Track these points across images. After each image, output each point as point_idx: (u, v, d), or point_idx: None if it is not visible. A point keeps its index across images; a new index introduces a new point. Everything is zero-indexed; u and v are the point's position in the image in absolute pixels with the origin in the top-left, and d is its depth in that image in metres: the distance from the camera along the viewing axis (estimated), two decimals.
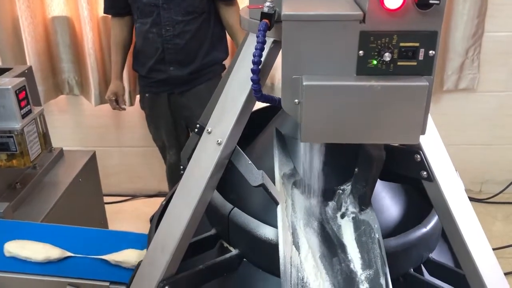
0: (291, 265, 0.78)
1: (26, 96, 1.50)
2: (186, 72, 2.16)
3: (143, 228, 1.15)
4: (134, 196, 3.00)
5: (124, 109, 2.43)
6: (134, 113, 2.79)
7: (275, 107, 0.83)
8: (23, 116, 1.49)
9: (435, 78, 2.40)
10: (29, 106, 1.53)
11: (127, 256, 1.13)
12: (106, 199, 2.77)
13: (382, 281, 0.76)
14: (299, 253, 0.79)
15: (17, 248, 1.16)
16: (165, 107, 2.27)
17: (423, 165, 0.77)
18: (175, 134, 2.35)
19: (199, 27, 2.11)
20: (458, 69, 2.65)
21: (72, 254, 1.15)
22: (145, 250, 1.14)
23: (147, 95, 2.31)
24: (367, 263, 0.79)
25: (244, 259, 0.91)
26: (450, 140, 2.78)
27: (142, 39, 2.16)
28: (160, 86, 2.23)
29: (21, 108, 1.47)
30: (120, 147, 2.93)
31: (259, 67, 0.69)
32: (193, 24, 2.09)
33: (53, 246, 1.16)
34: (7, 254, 1.16)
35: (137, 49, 2.24)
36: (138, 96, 2.68)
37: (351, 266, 0.79)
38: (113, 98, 2.34)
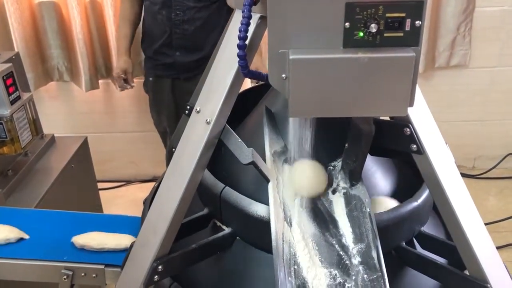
0: (283, 241, 0.78)
1: (14, 82, 1.49)
2: (193, 59, 2.10)
3: (139, 213, 1.15)
4: (129, 182, 3.00)
5: (132, 87, 2.34)
6: (126, 98, 2.77)
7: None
8: (12, 103, 1.48)
9: (427, 56, 2.39)
10: (17, 92, 1.51)
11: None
12: (101, 185, 2.77)
13: (374, 254, 0.76)
14: (291, 229, 0.80)
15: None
16: (169, 92, 2.22)
17: (413, 138, 0.77)
18: (177, 120, 2.32)
19: (210, 15, 2.05)
20: (450, 45, 2.64)
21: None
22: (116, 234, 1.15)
23: (151, 78, 2.25)
24: (358, 237, 0.79)
25: (237, 237, 0.91)
26: (443, 117, 2.80)
27: (151, 18, 2.10)
28: (165, 70, 2.17)
29: (9, 94, 1.46)
30: (113, 132, 2.92)
31: (245, 42, 0.68)
32: (205, 12, 2.03)
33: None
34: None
35: (145, 28, 2.17)
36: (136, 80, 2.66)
37: (343, 240, 0.80)
38: (122, 75, 2.25)
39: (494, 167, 2.97)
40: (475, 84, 2.78)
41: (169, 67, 2.16)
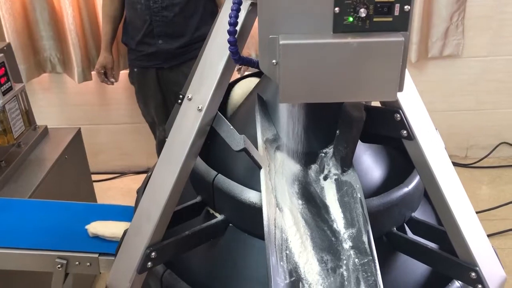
0: (275, 226, 0.79)
1: (6, 73, 1.48)
2: (175, 45, 2.13)
3: (133, 204, 1.15)
4: (122, 173, 2.99)
5: (113, 82, 2.40)
6: (119, 89, 2.76)
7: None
8: (4, 93, 1.47)
9: (420, 46, 2.39)
10: (9, 83, 1.51)
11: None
12: (95, 177, 2.76)
13: (365, 238, 0.77)
14: (282, 215, 0.80)
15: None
16: (154, 83, 2.24)
17: (403, 124, 0.78)
18: (164, 110, 2.33)
19: (188, 0, 2.07)
20: (443, 35, 2.64)
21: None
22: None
23: (135, 70, 2.28)
24: (349, 222, 0.80)
25: (230, 224, 0.92)
26: (436, 106, 2.82)
27: (131, 9, 2.12)
28: (149, 60, 2.20)
29: (1, 85, 1.45)
30: (107, 124, 2.91)
31: (236, 28, 0.68)
32: None
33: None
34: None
35: (127, 21, 2.20)
36: (122, 72, 2.65)
37: (334, 225, 0.81)
38: (102, 71, 2.31)
39: (486, 156, 2.99)
40: (468, 74, 2.79)
41: (152, 57, 2.18)
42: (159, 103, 2.30)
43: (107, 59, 2.31)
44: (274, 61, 0.66)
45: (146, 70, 2.24)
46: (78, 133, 1.96)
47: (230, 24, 0.67)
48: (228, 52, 0.76)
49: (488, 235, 0.81)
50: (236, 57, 0.71)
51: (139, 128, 2.81)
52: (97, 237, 1.13)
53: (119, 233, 1.07)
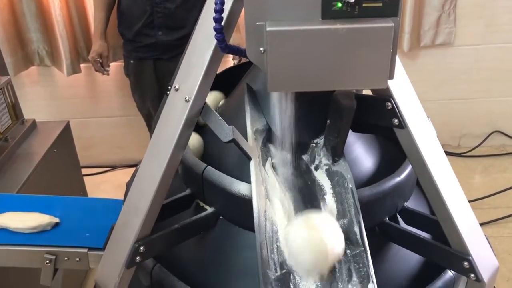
0: (265, 218, 0.77)
1: None
2: (175, 37, 2.09)
3: None
4: (114, 167, 2.97)
5: (108, 72, 2.34)
6: (109, 82, 2.72)
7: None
8: None
9: (412, 35, 2.37)
10: None
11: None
12: (86, 171, 2.74)
13: (356, 229, 0.76)
14: (273, 207, 0.79)
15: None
16: (151, 74, 2.20)
17: (394, 112, 0.76)
18: (161, 102, 2.30)
19: None
20: (435, 23, 2.63)
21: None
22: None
23: (132, 61, 2.22)
24: (341, 213, 0.79)
25: (220, 217, 0.91)
26: (428, 96, 2.81)
27: (130, 0, 2.07)
28: (147, 52, 2.15)
29: None
30: (98, 117, 2.88)
31: (222, 15, 0.66)
32: None
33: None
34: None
35: (122, 9, 2.14)
36: (111, 64, 2.62)
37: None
38: (98, 59, 2.24)
39: (479, 145, 2.99)
40: (460, 63, 2.79)
41: (151, 48, 2.13)
42: (155, 95, 2.25)
43: (103, 46, 2.24)
44: (261, 48, 0.64)
45: (143, 61, 2.18)
46: (67, 126, 1.93)
47: (215, 11, 0.65)
48: (215, 41, 0.74)
49: (481, 224, 0.81)
50: (223, 45, 0.69)
51: (131, 120, 2.78)
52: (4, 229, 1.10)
53: (22, 226, 1.08)
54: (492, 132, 3.00)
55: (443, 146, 0.82)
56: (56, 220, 1.13)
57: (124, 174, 2.91)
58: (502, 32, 2.71)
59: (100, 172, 2.92)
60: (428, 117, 0.83)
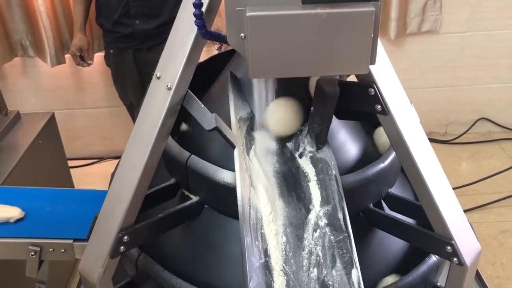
0: (249, 206, 0.77)
1: None
2: (153, 25, 2.09)
3: None
4: (101, 158, 2.95)
5: (89, 64, 2.33)
6: (94, 72, 2.69)
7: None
8: None
9: (398, 22, 2.37)
10: None
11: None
12: (74, 162, 2.72)
13: (340, 215, 0.76)
14: (257, 194, 0.79)
15: None
16: (131, 64, 2.20)
17: (377, 98, 0.76)
18: (142, 92, 2.28)
19: None
20: (421, 10, 2.64)
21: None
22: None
23: (111, 51, 2.22)
24: (325, 200, 0.79)
25: (205, 206, 0.90)
26: (415, 83, 2.82)
27: None
28: (126, 41, 2.15)
29: None
30: (83, 108, 2.85)
31: (202, 1, 0.66)
32: None
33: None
34: None
35: (100, 1, 2.14)
36: (96, 54, 2.59)
37: (310, 203, 0.79)
38: (78, 53, 2.24)
39: (465, 132, 3.01)
40: (446, 50, 2.80)
41: (129, 38, 2.13)
42: (136, 85, 2.26)
43: (83, 40, 2.24)
44: (242, 34, 0.63)
45: (123, 51, 2.19)
46: (52, 117, 1.91)
47: None
48: (196, 27, 0.73)
49: (468, 210, 0.81)
50: (203, 31, 0.68)
51: (117, 111, 2.76)
52: None
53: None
54: (479, 119, 3.02)
55: (430, 133, 0.82)
56: (21, 213, 1.12)
57: (111, 166, 2.88)
58: (488, 20, 2.72)
59: (87, 164, 2.90)
60: (411, 103, 0.83)
